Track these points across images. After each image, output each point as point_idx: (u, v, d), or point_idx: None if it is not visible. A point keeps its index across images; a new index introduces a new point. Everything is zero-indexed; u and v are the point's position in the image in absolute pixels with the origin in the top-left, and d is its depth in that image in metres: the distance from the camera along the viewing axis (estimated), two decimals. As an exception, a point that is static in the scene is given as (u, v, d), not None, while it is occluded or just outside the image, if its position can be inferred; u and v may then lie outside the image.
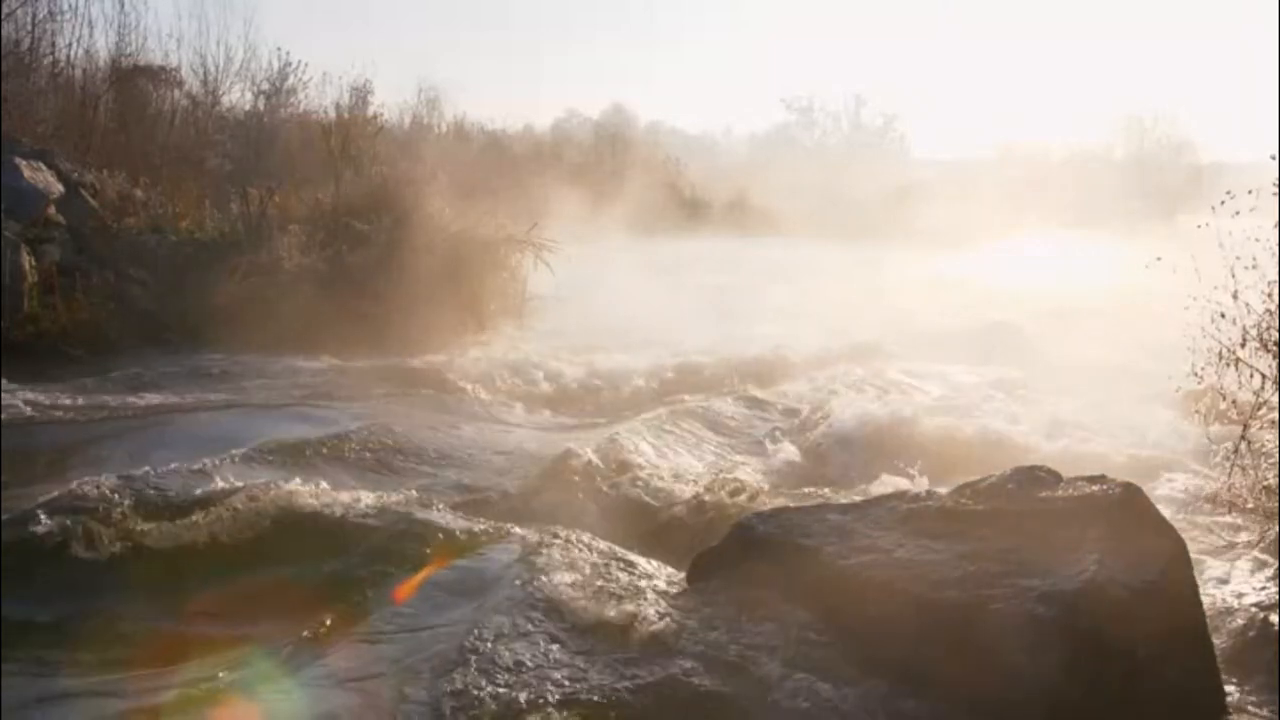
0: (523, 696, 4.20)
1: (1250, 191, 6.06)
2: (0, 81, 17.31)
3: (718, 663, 4.44)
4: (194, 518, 6.13)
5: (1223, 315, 6.14)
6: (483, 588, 5.37)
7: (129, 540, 5.92)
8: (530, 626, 4.81)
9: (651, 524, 6.82)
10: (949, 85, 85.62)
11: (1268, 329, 6.11)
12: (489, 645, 4.64)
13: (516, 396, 11.51)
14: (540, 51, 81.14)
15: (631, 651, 4.57)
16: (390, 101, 34.31)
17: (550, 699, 4.19)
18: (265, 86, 25.97)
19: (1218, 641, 4.79)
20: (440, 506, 6.77)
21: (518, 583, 5.33)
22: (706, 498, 7.18)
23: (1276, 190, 5.88)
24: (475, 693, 4.23)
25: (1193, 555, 4.90)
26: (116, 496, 6.31)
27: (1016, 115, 72.70)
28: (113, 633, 5.09)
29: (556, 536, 5.95)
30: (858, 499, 6.05)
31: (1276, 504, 6.11)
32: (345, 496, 6.49)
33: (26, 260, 12.64)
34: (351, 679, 4.50)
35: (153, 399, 10.21)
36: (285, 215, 15.72)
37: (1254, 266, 6.07)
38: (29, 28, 20.16)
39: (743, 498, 7.17)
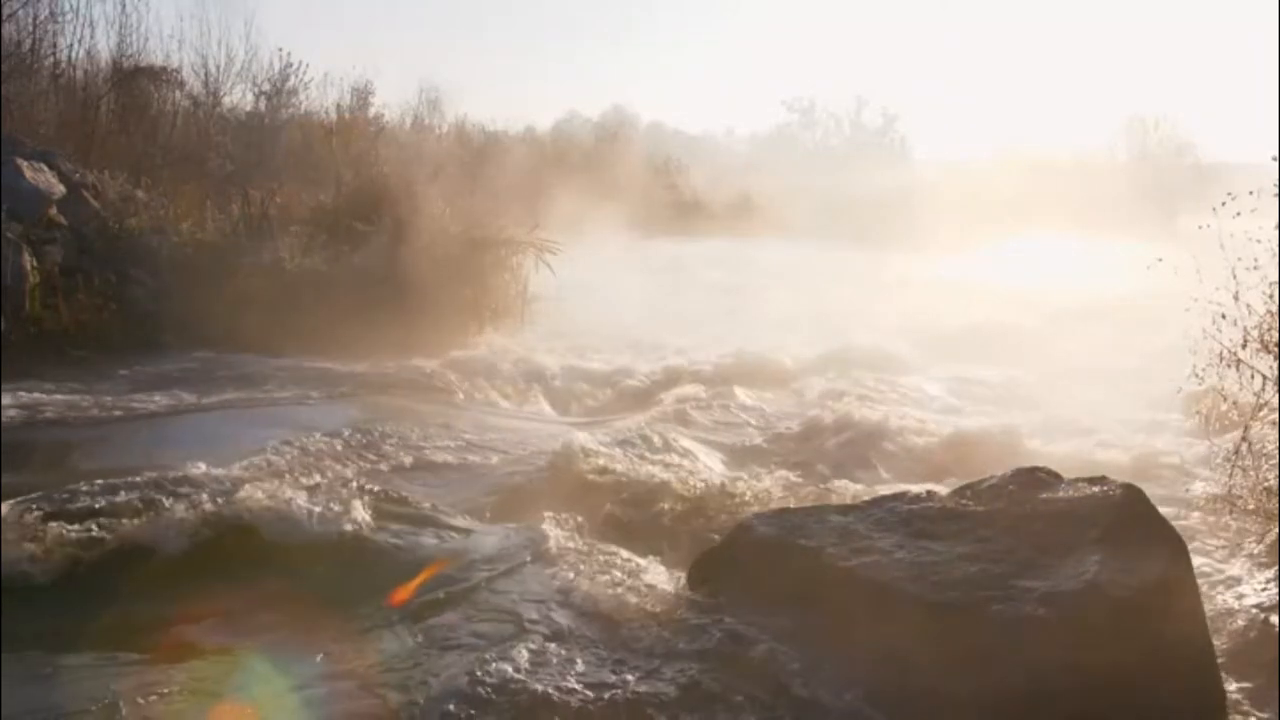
0: (522, 696, 4.20)
1: (1251, 192, 6.06)
2: (1, 82, 17.29)
3: (718, 663, 4.45)
4: (193, 519, 6.13)
5: (1224, 316, 6.13)
6: (482, 589, 5.38)
7: (129, 541, 5.92)
8: (530, 627, 4.82)
9: (653, 524, 6.82)
10: (950, 86, 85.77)
11: (1269, 330, 6.10)
12: (488, 646, 4.65)
13: (517, 397, 11.54)
14: (541, 52, 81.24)
15: (632, 651, 4.58)
16: (391, 102, 34.20)
17: (550, 698, 4.19)
18: (266, 87, 25.88)
19: (1218, 642, 4.79)
20: (440, 507, 6.78)
21: (518, 584, 5.34)
22: (708, 498, 7.17)
23: (1277, 191, 5.87)
24: (474, 693, 4.23)
25: (1193, 556, 4.90)
26: (117, 497, 6.32)
27: (1018, 117, 72.66)
28: (111, 634, 5.09)
29: (557, 537, 5.95)
30: (858, 500, 6.04)
31: (1277, 505, 6.10)
32: (345, 497, 6.49)
33: (29, 261, 12.63)
34: (350, 680, 4.51)
35: (154, 400, 10.22)
36: (286, 216, 15.72)
37: (1255, 268, 6.07)
38: (30, 29, 20.14)
39: (744, 498, 7.17)
